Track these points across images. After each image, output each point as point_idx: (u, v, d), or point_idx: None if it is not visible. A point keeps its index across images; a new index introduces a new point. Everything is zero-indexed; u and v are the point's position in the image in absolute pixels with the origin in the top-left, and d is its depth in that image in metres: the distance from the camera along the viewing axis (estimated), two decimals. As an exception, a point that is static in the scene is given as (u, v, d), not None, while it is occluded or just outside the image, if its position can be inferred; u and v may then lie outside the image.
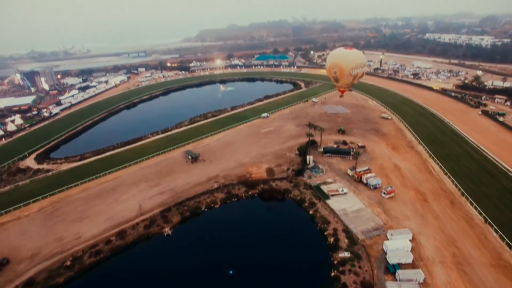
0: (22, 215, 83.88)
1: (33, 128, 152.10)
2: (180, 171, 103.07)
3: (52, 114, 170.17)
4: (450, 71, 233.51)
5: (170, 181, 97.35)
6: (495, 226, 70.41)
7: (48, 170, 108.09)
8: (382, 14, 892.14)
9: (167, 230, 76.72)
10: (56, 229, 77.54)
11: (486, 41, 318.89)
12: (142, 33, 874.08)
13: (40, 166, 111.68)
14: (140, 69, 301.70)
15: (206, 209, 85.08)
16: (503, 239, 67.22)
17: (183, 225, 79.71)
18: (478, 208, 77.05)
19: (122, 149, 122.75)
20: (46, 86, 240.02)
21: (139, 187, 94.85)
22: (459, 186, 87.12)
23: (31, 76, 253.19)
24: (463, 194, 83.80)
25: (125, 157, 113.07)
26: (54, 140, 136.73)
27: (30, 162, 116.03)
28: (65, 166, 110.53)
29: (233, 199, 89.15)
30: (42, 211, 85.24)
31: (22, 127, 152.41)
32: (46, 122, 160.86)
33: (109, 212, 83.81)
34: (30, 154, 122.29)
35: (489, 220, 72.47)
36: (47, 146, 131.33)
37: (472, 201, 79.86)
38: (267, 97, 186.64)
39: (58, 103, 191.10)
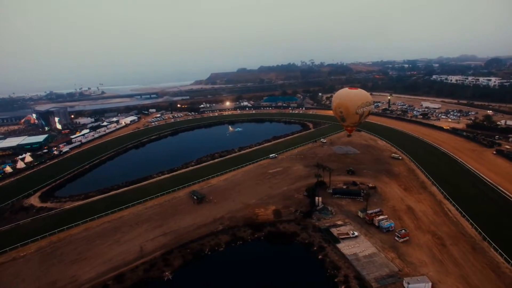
0: (18, 256, 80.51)
1: (41, 166, 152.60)
2: (185, 212, 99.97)
3: (61, 153, 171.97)
4: (460, 111, 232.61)
5: (174, 222, 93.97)
6: (524, 276, 64.28)
7: (51, 209, 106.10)
8: (388, 57, 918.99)
9: (167, 274, 72.53)
10: (52, 271, 73.82)
11: (494, 81, 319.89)
12: (155, 76, 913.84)
13: (44, 205, 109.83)
14: (151, 110, 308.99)
15: (209, 252, 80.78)
16: (534, 291, 60.88)
17: (184, 269, 75.28)
18: (504, 255, 70.98)
19: (127, 188, 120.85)
20: (59, 126, 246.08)
21: (142, 228, 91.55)
22: (479, 229, 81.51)
23: (46, 116, 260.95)
24: (484, 239, 78.00)
25: (129, 197, 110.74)
26: (60, 178, 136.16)
27: (34, 200, 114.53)
28: (69, 205, 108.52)
29: (238, 242, 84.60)
30: (39, 251, 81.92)
31: (31, 165, 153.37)
32: (55, 160, 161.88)
33: (109, 253, 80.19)
34: (35, 192, 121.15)
35: (518, 269, 66.40)
36: (53, 184, 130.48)
37: (496, 247, 73.94)
38: (275, 138, 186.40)
39: (69, 142, 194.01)
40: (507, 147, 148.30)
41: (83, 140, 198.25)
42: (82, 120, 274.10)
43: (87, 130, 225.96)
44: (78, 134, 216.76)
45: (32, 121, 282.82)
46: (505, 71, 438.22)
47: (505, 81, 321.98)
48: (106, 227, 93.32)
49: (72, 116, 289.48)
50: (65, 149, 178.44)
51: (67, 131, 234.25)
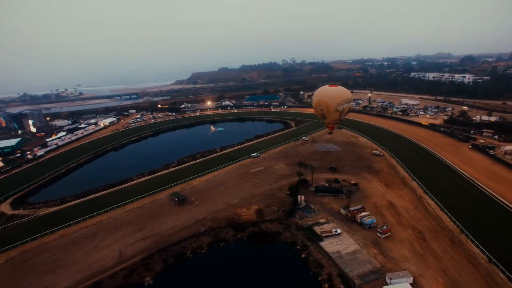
0: (-14, 268, 76.45)
1: (13, 171, 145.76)
2: (166, 214, 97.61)
3: (36, 157, 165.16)
4: (437, 107, 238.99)
5: (155, 225, 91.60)
6: (501, 266, 65.80)
7: (23, 216, 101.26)
8: (367, 55, 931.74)
9: (148, 279, 70.52)
10: (23, 283, 70.17)
11: (468, 78, 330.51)
12: (135, 77, 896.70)
13: (15, 212, 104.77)
14: (131, 111, 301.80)
15: (191, 255, 79.12)
16: (511, 280, 62.32)
17: (166, 273, 73.40)
18: (480, 246, 72.79)
19: (105, 191, 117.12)
20: (33, 128, 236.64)
21: (121, 232, 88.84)
22: (457, 223, 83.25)
23: (19, 118, 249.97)
24: (462, 232, 79.78)
25: (108, 200, 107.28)
26: (34, 183, 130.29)
27: (4, 207, 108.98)
28: (43, 211, 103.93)
29: (220, 243, 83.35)
30: (9, 262, 77.79)
31: (2, 170, 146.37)
32: (29, 164, 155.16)
33: (86, 260, 77.23)
34: (6, 199, 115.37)
35: (494, 260, 67.96)
36: (26, 190, 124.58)
37: (473, 239, 75.71)
38: (257, 137, 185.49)
39: (44, 145, 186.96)
40: (482, 141, 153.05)
41: (60, 143, 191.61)
42: (59, 122, 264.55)
43: (64, 133, 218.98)
44: (54, 137, 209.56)
45: (3, 124, 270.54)
46: (478, 68, 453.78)
47: (478, 77, 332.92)
48: (83, 233, 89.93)
49: (48, 118, 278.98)
50: (40, 152, 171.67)
51: (42, 134, 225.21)
